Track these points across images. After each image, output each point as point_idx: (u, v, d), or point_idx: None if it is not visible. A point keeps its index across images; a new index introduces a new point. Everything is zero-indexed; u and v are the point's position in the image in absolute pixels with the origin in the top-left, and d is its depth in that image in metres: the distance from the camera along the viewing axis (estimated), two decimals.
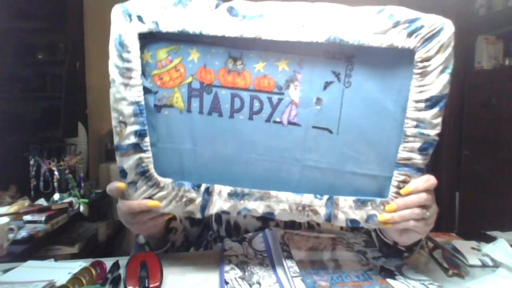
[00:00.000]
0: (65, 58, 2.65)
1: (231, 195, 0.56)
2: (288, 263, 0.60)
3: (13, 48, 2.77)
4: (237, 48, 0.53)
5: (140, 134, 0.54)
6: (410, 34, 0.50)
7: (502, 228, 0.91)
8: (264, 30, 0.51)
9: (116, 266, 0.63)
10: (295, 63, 0.53)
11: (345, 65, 0.53)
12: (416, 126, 0.52)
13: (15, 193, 1.80)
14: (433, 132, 0.52)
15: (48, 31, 2.92)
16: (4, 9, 2.45)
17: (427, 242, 0.79)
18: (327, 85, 0.53)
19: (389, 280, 0.61)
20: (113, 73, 0.53)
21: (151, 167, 0.56)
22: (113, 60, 0.53)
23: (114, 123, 0.55)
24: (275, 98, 0.53)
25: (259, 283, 0.56)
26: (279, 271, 0.60)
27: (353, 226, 0.63)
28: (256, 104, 0.54)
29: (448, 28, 0.51)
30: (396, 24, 0.51)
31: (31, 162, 1.83)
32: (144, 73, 0.54)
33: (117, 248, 2.41)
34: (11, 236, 1.13)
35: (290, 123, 0.54)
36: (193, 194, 0.56)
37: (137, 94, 0.53)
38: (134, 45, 0.52)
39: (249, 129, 0.55)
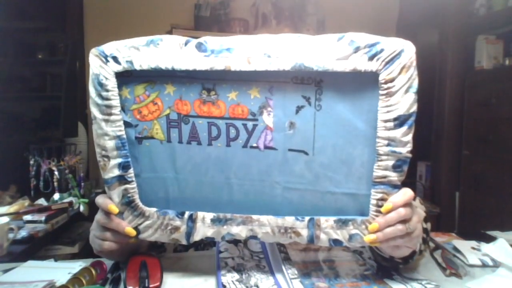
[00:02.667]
0: (65, 58, 2.65)
1: (214, 221, 0.58)
2: (286, 265, 0.60)
3: (13, 48, 2.77)
4: (209, 79, 0.56)
5: (124, 167, 0.57)
6: (371, 58, 0.52)
7: (502, 228, 0.91)
8: (232, 62, 0.53)
9: (116, 266, 0.63)
10: (266, 90, 0.55)
11: (315, 90, 0.55)
12: (388, 145, 0.54)
13: (15, 193, 1.80)
14: (404, 150, 0.54)
15: (48, 31, 2.92)
16: (4, 9, 2.45)
17: (428, 242, 0.79)
18: (298, 109, 0.55)
19: (387, 280, 0.61)
20: (94, 110, 0.56)
21: (136, 197, 0.58)
22: (93, 98, 0.56)
23: (98, 157, 0.57)
24: (249, 124, 0.56)
25: (257, 286, 0.56)
26: (277, 273, 0.60)
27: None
28: (232, 131, 0.56)
29: (408, 49, 0.52)
30: (357, 49, 0.53)
31: (31, 162, 1.83)
32: (123, 109, 0.57)
33: None
34: (11, 236, 1.13)
35: (266, 147, 0.56)
36: (177, 222, 0.58)
37: (118, 129, 0.56)
38: (111, 83, 0.56)
39: (228, 155, 0.57)
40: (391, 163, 0.54)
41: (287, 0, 3.39)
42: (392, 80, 0.52)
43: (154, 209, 0.58)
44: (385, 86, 0.52)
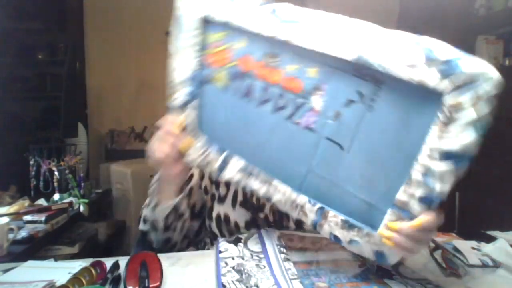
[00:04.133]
0: (65, 58, 2.65)
1: (243, 169, 0.64)
2: (286, 266, 0.60)
3: (13, 48, 2.77)
4: (276, 46, 0.56)
5: (190, 95, 0.65)
6: (444, 76, 0.45)
7: (502, 228, 0.91)
8: (296, 35, 0.53)
9: (116, 266, 0.63)
10: (324, 73, 0.54)
11: (372, 89, 0.51)
12: (424, 174, 0.49)
13: (15, 193, 1.80)
14: (440, 187, 0.48)
15: (48, 31, 2.92)
16: (4, 9, 2.45)
17: (428, 243, 0.79)
18: (349, 102, 0.53)
19: (387, 280, 0.61)
20: (175, 46, 0.63)
21: (195, 122, 0.67)
22: (176, 36, 0.63)
23: (173, 84, 0.67)
24: (299, 100, 0.56)
25: (257, 286, 0.56)
26: (277, 273, 0.60)
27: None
28: (281, 101, 0.58)
29: (490, 78, 0.44)
30: (431, 61, 0.46)
31: (31, 162, 1.83)
32: (199, 51, 0.62)
33: (117, 248, 2.41)
34: (11, 236, 1.13)
35: (306, 127, 0.57)
36: (216, 156, 0.65)
37: (192, 66, 0.63)
38: (193, 26, 0.61)
39: (271, 121, 0.59)
40: (419, 193, 0.50)
41: (287, 0, 3.39)
42: (457, 109, 0.44)
43: (205, 136, 0.66)
44: (447, 112, 0.45)
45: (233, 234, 0.77)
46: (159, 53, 3.74)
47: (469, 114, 0.44)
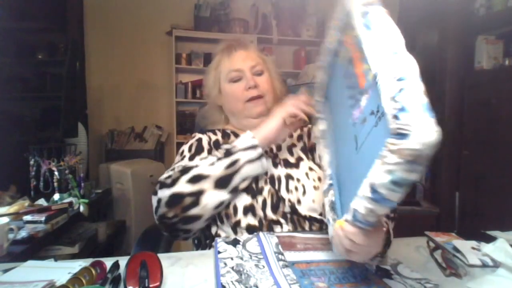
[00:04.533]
0: (65, 58, 2.64)
1: (321, 131, 0.83)
2: (285, 272, 0.60)
3: (13, 48, 2.77)
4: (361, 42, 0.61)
5: (326, 62, 0.79)
6: (394, 117, 0.46)
7: (502, 228, 0.91)
8: (367, 41, 0.57)
9: (116, 266, 0.63)
10: (373, 80, 0.55)
11: (382, 108, 0.52)
12: (362, 195, 0.52)
13: (15, 193, 1.80)
14: (361, 209, 0.52)
15: (48, 31, 2.93)
16: (4, 9, 2.45)
17: (428, 242, 0.80)
18: (371, 113, 0.57)
19: (386, 280, 0.61)
20: (335, 24, 0.72)
21: (324, 84, 0.83)
22: (338, 17, 0.71)
23: (322, 51, 0.79)
24: (359, 96, 0.62)
25: (256, 286, 0.56)
26: (276, 273, 0.60)
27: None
28: (353, 92, 0.65)
29: (418, 139, 0.44)
30: (393, 99, 0.47)
31: (31, 162, 1.82)
32: (341, 31, 0.71)
33: (117, 248, 2.41)
34: (11, 236, 1.13)
35: (353, 120, 0.63)
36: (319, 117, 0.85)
37: (335, 40, 0.74)
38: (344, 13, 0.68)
39: (343, 105, 0.69)
40: (353, 207, 0.54)
41: (287, 0, 3.40)
42: (389, 151, 0.46)
43: (323, 101, 0.85)
44: (384, 150, 0.46)
45: (230, 218, 0.81)
46: (159, 53, 3.75)
47: (391, 159, 0.45)
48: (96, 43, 3.14)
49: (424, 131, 0.43)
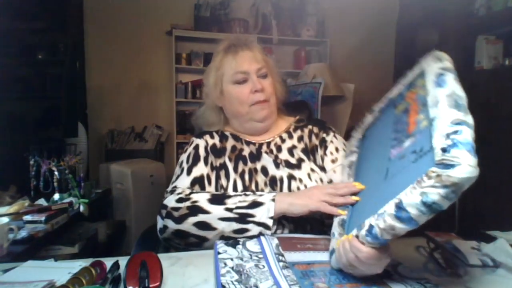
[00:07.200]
0: (65, 58, 2.65)
1: (350, 162, 0.84)
2: (285, 273, 0.60)
3: (13, 48, 2.77)
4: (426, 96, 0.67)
5: (380, 108, 0.85)
6: (442, 149, 0.53)
7: (502, 228, 0.91)
8: (435, 94, 0.63)
9: (116, 266, 0.63)
10: (425, 127, 0.62)
11: (428, 149, 0.58)
12: (383, 212, 0.55)
13: (15, 193, 1.80)
14: (381, 225, 0.55)
15: (48, 31, 2.92)
16: (4, 9, 2.45)
17: (428, 242, 0.79)
18: (413, 152, 0.62)
19: (386, 280, 0.61)
20: (405, 80, 0.78)
21: (369, 125, 0.88)
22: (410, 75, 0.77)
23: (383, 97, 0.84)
24: (403, 138, 0.67)
25: (256, 286, 0.56)
26: (276, 274, 0.60)
27: None
28: (399, 135, 0.69)
29: (459, 170, 0.51)
30: (448, 135, 0.55)
31: (31, 162, 1.82)
32: (407, 87, 0.77)
33: (117, 248, 2.41)
34: (11, 236, 1.13)
35: (390, 156, 0.68)
36: (352, 148, 0.87)
37: (397, 92, 0.80)
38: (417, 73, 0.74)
39: (385, 144, 0.73)
40: (370, 222, 0.57)
41: (287, 0, 3.40)
42: (428, 177, 0.52)
43: (360, 137, 0.89)
44: (423, 176, 0.52)
45: None
46: (159, 53, 3.75)
47: (428, 183, 0.51)
48: (96, 43, 3.14)
49: (469, 166, 0.50)
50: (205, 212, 0.77)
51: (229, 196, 0.80)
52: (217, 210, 0.77)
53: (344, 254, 0.60)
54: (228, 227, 0.77)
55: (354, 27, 3.41)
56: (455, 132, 0.54)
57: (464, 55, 2.30)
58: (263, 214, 0.76)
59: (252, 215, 0.76)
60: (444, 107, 0.59)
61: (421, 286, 0.59)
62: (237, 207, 0.77)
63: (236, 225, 0.76)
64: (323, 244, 0.75)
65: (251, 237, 0.76)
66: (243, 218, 0.76)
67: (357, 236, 0.58)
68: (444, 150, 0.52)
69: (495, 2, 2.19)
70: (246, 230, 0.76)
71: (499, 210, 1.97)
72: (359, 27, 3.41)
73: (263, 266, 0.62)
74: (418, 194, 0.51)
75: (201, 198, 0.80)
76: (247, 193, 0.82)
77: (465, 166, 0.50)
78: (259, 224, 0.76)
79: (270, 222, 0.76)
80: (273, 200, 0.77)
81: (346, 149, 0.89)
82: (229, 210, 0.77)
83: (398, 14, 3.09)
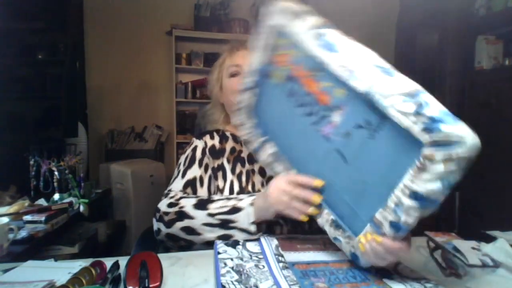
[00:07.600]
0: (65, 58, 2.65)
1: (273, 154, 0.79)
2: (285, 273, 0.60)
3: (13, 48, 2.77)
4: (319, 64, 0.64)
5: (254, 83, 0.79)
6: (425, 130, 0.51)
7: (502, 228, 0.91)
8: (333, 62, 0.62)
9: (116, 266, 0.63)
10: (348, 96, 0.61)
11: (377, 121, 0.58)
12: (396, 205, 0.56)
13: (15, 193, 1.79)
14: (404, 219, 0.55)
15: (48, 31, 2.92)
16: (4, 9, 2.45)
17: (428, 242, 0.80)
18: (358, 126, 0.61)
19: (386, 280, 0.61)
20: (258, 42, 0.75)
21: (252, 105, 0.81)
22: (260, 35, 0.74)
23: (246, 71, 0.81)
24: (324, 112, 0.65)
25: (256, 286, 0.56)
26: (276, 274, 0.60)
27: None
28: (311, 109, 0.67)
29: (464, 142, 0.49)
30: (419, 114, 0.51)
31: (31, 162, 1.82)
32: (269, 50, 0.74)
33: (117, 248, 2.41)
34: (11, 236, 1.13)
35: (324, 136, 0.66)
36: (256, 138, 0.81)
37: (262, 61, 0.76)
38: (272, 31, 0.72)
39: (301, 123, 0.70)
40: (390, 218, 0.57)
41: (287, 0, 3.39)
42: (430, 161, 0.50)
43: (255, 120, 0.82)
44: (422, 161, 0.51)
45: None
46: (159, 53, 3.75)
47: (439, 168, 0.50)
48: (96, 43, 3.14)
49: (469, 134, 0.49)
50: (190, 217, 0.77)
51: (213, 201, 0.79)
52: (200, 216, 0.77)
53: (375, 253, 0.60)
54: (212, 233, 0.76)
55: (354, 27, 3.40)
56: (421, 106, 0.51)
57: (464, 55, 2.31)
58: (244, 220, 0.75)
59: (233, 221, 0.75)
60: (367, 76, 0.57)
61: (421, 286, 0.59)
62: (219, 213, 0.76)
63: (219, 231, 0.76)
64: (322, 244, 0.75)
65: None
66: (225, 224, 0.76)
67: (382, 234, 0.58)
68: (428, 130, 0.50)
69: (495, 2, 2.19)
70: (231, 236, 0.75)
71: (499, 210, 1.97)
72: (359, 27, 3.40)
73: (263, 266, 0.62)
74: (436, 180, 0.50)
75: (188, 204, 0.80)
76: (230, 196, 0.81)
77: (468, 137, 0.49)
78: (241, 230, 0.75)
79: (253, 228, 0.74)
80: (252, 204, 0.75)
81: (248, 140, 0.84)
82: (211, 215, 0.76)
83: (398, 14, 3.09)
